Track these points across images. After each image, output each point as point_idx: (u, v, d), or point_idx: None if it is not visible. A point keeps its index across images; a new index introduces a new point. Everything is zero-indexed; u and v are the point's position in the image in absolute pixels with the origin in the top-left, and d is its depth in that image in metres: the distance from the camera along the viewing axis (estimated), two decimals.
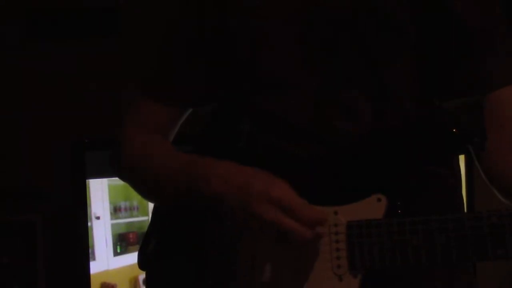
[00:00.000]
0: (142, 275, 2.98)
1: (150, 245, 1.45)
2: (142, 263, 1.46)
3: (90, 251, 2.93)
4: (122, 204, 3.01)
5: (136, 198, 3.01)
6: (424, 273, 1.33)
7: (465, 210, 1.59)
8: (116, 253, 2.99)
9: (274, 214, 1.23)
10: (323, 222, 1.25)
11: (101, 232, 2.97)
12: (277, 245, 1.28)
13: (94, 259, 2.95)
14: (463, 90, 1.36)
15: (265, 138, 1.39)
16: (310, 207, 1.25)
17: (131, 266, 2.99)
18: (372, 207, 1.27)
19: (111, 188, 2.99)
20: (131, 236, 3.01)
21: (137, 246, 2.99)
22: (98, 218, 2.96)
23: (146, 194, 1.50)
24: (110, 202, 2.99)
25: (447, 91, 1.32)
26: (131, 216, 3.02)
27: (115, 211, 3.00)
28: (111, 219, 2.99)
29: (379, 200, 1.27)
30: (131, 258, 2.99)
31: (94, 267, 2.94)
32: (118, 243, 2.99)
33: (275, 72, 1.37)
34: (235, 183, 1.27)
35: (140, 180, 1.47)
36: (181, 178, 1.35)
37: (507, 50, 1.39)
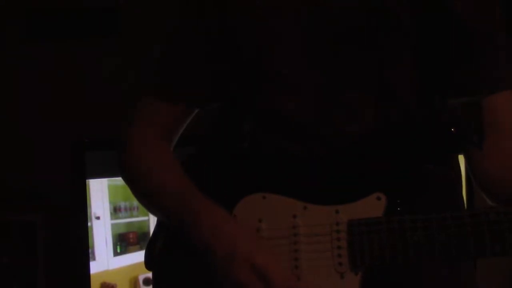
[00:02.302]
0: (142, 275, 2.99)
1: (157, 245, 1.46)
2: (149, 263, 1.46)
3: (90, 251, 2.94)
4: (122, 204, 3.01)
5: (136, 198, 3.01)
6: (424, 270, 1.33)
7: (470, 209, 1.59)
8: (116, 253, 2.99)
9: (251, 281, 1.25)
10: None
11: (101, 232, 2.97)
12: (281, 237, 1.30)
13: (94, 259, 2.96)
14: (461, 91, 1.36)
15: (267, 137, 1.40)
16: (288, 278, 1.27)
17: (131, 266, 3.00)
18: (373, 206, 1.28)
19: (111, 188, 2.99)
20: (131, 236, 3.02)
21: (137, 246, 3.01)
22: (98, 218, 2.97)
23: (142, 204, 1.52)
24: (110, 202, 3.00)
25: (446, 92, 1.33)
26: (131, 216, 3.02)
27: (115, 211, 3.00)
28: (111, 219, 3.00)
29: (379, 198, 1.28)
30: (131, 258, 3.00)
31: (94, 267, 2.95)
32: (118, 243, 3.00)
33: (278, 72, 1.38)
34: (223, 240, 1.29)
35: (137, 191, 1.49)
36: (175, 212, 1.38)
37: (505, 54, 1.40)
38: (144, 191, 1.47)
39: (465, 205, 1.50)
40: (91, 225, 2.95)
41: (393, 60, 1.35)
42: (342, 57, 1.36)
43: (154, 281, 1.46)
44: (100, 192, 2.98)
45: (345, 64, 1.35)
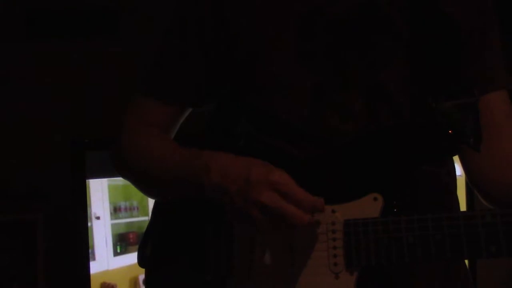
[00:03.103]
0: (142, 275, 2.98)
1: (149, 243, 1.46)
2: (141, 261, 1.47)
3: (90, 251, 2.94)
4: (122, 204, 3.01)
5: (136, 198, 3.01)
6: (419, 270, 1.33)
7: (465, 210, 1.59)
8: (116, 253, 3.00)
9: (273, 198, 1.23)
10: (321, 209, 1.25)
11: (101, 232, 2.98)
12: (276, 238, 1.30)
13: (94, 259, 2.96)
14: (455, 92, 1.36)
15: (262, 137, 1.40)
16: (308, 194, 1.25)
17: (131, 266, 3.00)
18: (369, 206, 1.28)
19: (111, 188, 2.99)
20: (131, 236, 3.02)
21: (137, 246, 3.01)
22: (98, 218, 2.97)
23: (145, 187, 1.50)
24: (110, 202, 3.00)
25: (440, 92, 1.33)
26: (131, 216, 3.03)
27: (115, 211, 3.00)
28: (111, 219, 3.00)
29: (375, 199, 1.28)
30: (131, 258, 3.00)
31: (94, 267, 2.95)
32: (118, 243, 3.00)
33: (273, 72, 1.38)
34: (234, 172, 1.28)
35: (140, 172, 1.47)
36: (181, 171, 1.36)
37: (498, 54, 1.40)
38: (147, 174, 1.45)
39: (466, 206, 1.50)
40: (91, 225, 2.95)
41: (386, 61, 1.36)
42: (335, 58, 1.36)
43: (147, 278, 1.46)
44: (100, 192, 2.98)
45: (338, 65, 1.36)
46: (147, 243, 1.46)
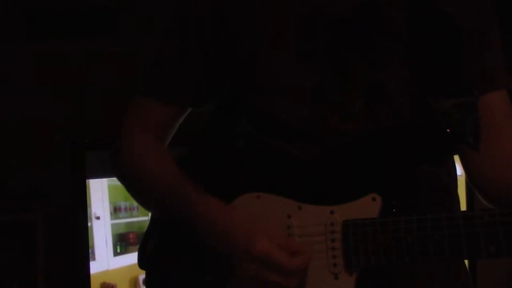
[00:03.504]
0: (142, 275, 2.98)
1: (149, 244, 1.46)
2: (142, 263, 1.47)
3: (90, 251, 2.93)
4: (122, 204, 3.01)
5: None
6: (419, 270, 1.33)
7: (465, 210, 1.59)
8: (116, 253, 2.99)
9: (256, 271, 1.25)
10: (305, 265, 1.26)
11: (101, 232, 2.97)
12: None
13: (94, 259, 2.95)
14: (455, 92, 1.36)
15: (262, 137, 1.40)
16: (290, 258, 1.25)
17: (131, 266, 3.00)
18: (368, 207, 1.28)
19: (111, 188, 2.99)
20: (131, 236, 3.02)
21: (137, 246, 3.00)
22: (98, 218, 2.97)
23: (138, 203, 1.55)
24: (110, 202, 3.00)
25: (440, 92, 1.32)
26: (131, 216, 3.02)
27: (115, 211, 3.00)
28: (111, 219, 3.00)
29: (374, 199, 1.28)
30: (131, 258, 3.00)
31: (94, 267, 2.95)
32: (118, 243, 3.00)
33: (273, 72, 1.38)
34: (219, 235, 1.30)
35: (132, 186, 1.51)
36: (169, 206, 1.39)
37: (498, 53, 1.40)
38: (139, 190, 1.47)
39: (465, 206, 1.50)
40: (91, 225, 2.95)
41: (386, 61, 1.36)
42: (335, 58, 1.36)
43: (147, 280, 1.46)
44: (100, 192, 2.98)
45: (338, 65, 1.35)
46: (148, 244, 1.46)
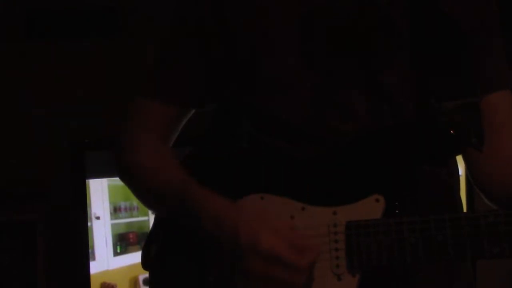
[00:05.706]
0: (142, 275, 2.99)
1: (153, 245, 1.46)
2: (145, 263, 1.47)
3: (90, 251, 2.93)
4: (122, 204, 3.01)
5: (136, 198, 3.01)
6: (422, 272, 1.33)
7: (465, 211, 1.59)
8: (116, 253, 2.99)
9: (263, 267, 1.23)
10: (312, 263, 1.25)
11: (101, 232, 2.97)
12: None
13: (94, 259, 2.96)
14: (457, 92, 1.36)
15: (264, 138, 1.39)
16: (299, 255, 1.24)
17: (131, 266, 3.00)
18: (371, 208, 1.28)
19: (111, 188, 2.99)
20: (131, 236, 3.02)
21: (137, 246, 3.01)
22: (98, 218, 2.97)
23: (142, 202, 1.54)
24: (110, 202, 3.00)
25: (442, 92, 1.32)
26: (131, 216, 3.02)
27: (115, 211, 3.00)
28: (111, 219, 3.00)
29: (377, 200, 1.28)
30: (131, 258, 3.00)
31: (94, 267, 2.95)
32: (118, 243, 3.00)
33: (274, 72, 1.38)
34: (225, 230, 1.28)
35: (136, 186, 1.50)
36: (175, 205, 1.38)
37: (500, 54, 1.40)
38: (143, 189, 1.46)
39: (465, 206, 1.50)
40: (91, 225, 2.95)
41: (386, 60, 1.35)
42: (335, 57, 1.35)
43: (151, 280, 1.46)
44: (100, 192, 2.98)
45: (338, 64, 1.35)
46: (151, 244, 1.46)
